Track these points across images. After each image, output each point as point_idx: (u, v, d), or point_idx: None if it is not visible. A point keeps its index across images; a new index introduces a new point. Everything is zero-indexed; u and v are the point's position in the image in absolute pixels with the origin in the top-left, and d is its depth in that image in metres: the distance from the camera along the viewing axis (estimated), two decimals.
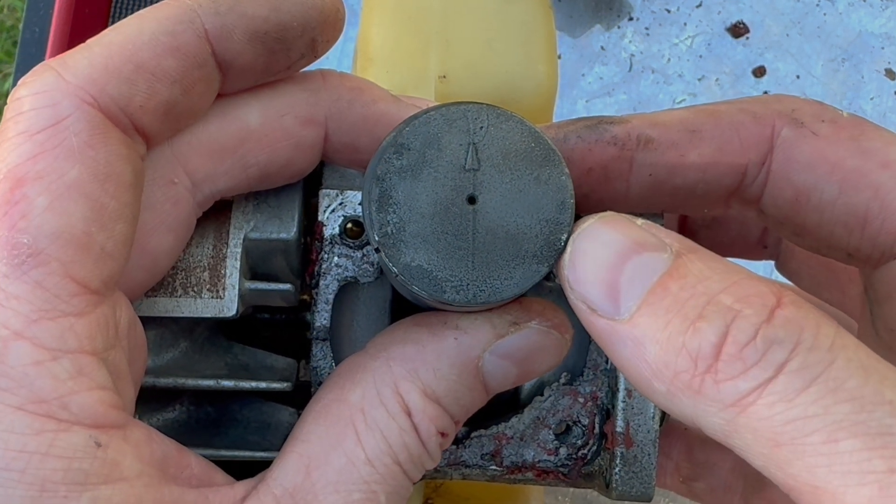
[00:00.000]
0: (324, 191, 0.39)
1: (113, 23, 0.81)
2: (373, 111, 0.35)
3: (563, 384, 0.40)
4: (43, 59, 0.77)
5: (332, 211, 0.40)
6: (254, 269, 0.39)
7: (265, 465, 0.33)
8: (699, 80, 0.82)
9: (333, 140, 0.36)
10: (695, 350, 0.28)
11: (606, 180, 0.37)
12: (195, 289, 0.37)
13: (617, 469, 0.39)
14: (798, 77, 0.80)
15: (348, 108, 0.35)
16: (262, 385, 0.39)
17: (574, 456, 0.41)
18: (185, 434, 0.40)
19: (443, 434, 0.34)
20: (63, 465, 0.27)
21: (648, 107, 0.82)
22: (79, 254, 0.28)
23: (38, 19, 0.77)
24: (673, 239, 0.30)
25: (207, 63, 0.31)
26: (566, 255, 0.31)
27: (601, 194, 0.37)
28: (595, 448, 0.40)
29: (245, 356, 0.42)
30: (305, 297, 0.41)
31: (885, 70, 0.80)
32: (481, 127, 0.32)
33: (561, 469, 0.41)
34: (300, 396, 0.41)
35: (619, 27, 0.82)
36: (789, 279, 0.45)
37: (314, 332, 0.40)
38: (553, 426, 0.41)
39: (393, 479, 0.33)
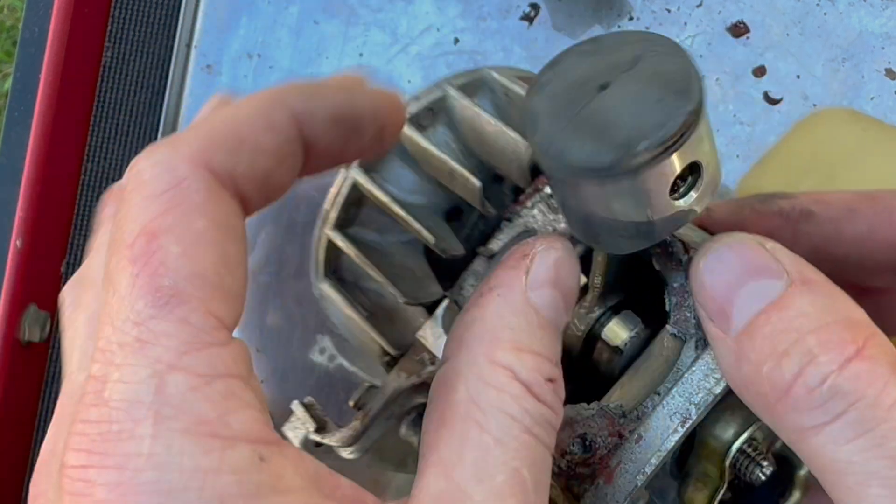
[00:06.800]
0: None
1: (112, 23, 0.82)
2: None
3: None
4: (42, 59, 0.78)
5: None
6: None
7: None
8: None
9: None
10: (773, 382, 0.33)
11: None
12: None
13: (588, 494, 0.40)
14: (798, 77, 0.80)
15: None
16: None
17: (571, 465, 0.41)
18: None
19: (551, 380, 0.35)
20: (235, 479, 0.29)
21: None
22: (214, 293, 0.31)
23: (38, 19, 0.77)
24: (793, 265, 0.34)
25: (296, 140, 0.35)
26: (694, 267, 0.35)
27: None
28: (589, 473, 0.41)
29: None
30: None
31: (886, 70, 0.80)
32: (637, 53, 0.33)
33: (553, 469, 0.41)
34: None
35: (619, 27, 0.82)
36: None
37: (484, 250, 0.46)
38: (576, 433, 0.41)
39: (527, 449, 0.33)
